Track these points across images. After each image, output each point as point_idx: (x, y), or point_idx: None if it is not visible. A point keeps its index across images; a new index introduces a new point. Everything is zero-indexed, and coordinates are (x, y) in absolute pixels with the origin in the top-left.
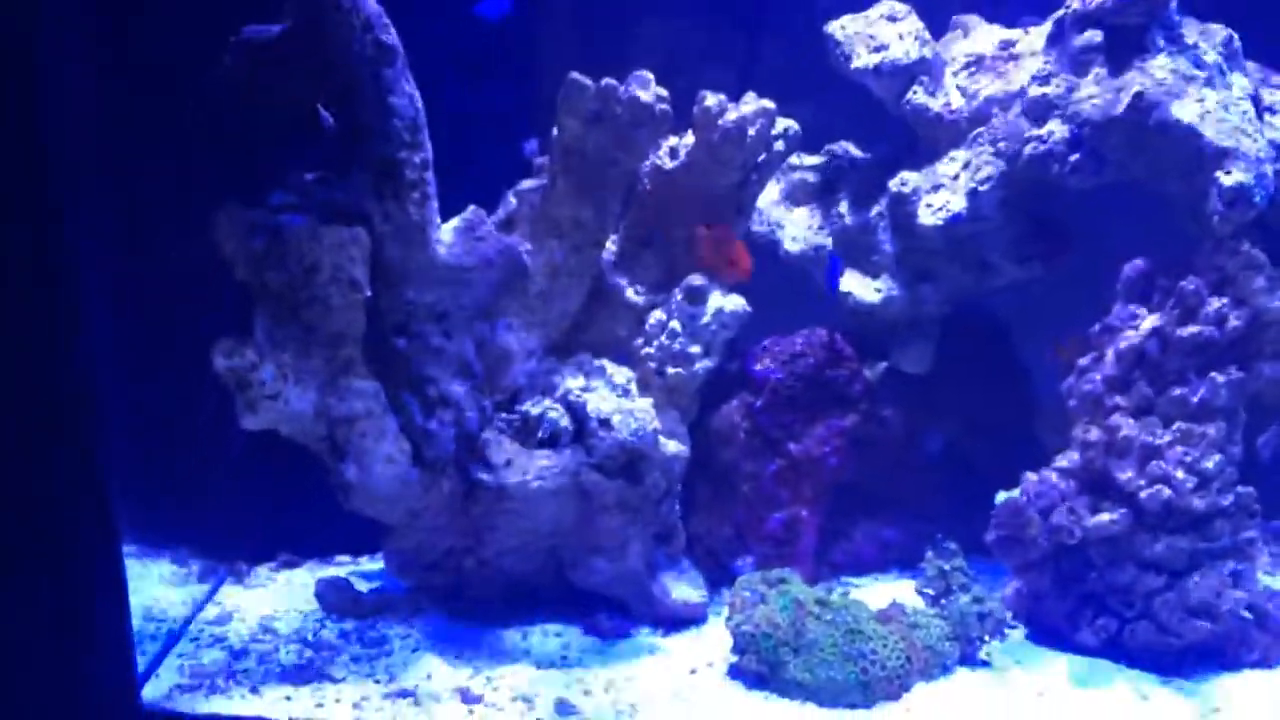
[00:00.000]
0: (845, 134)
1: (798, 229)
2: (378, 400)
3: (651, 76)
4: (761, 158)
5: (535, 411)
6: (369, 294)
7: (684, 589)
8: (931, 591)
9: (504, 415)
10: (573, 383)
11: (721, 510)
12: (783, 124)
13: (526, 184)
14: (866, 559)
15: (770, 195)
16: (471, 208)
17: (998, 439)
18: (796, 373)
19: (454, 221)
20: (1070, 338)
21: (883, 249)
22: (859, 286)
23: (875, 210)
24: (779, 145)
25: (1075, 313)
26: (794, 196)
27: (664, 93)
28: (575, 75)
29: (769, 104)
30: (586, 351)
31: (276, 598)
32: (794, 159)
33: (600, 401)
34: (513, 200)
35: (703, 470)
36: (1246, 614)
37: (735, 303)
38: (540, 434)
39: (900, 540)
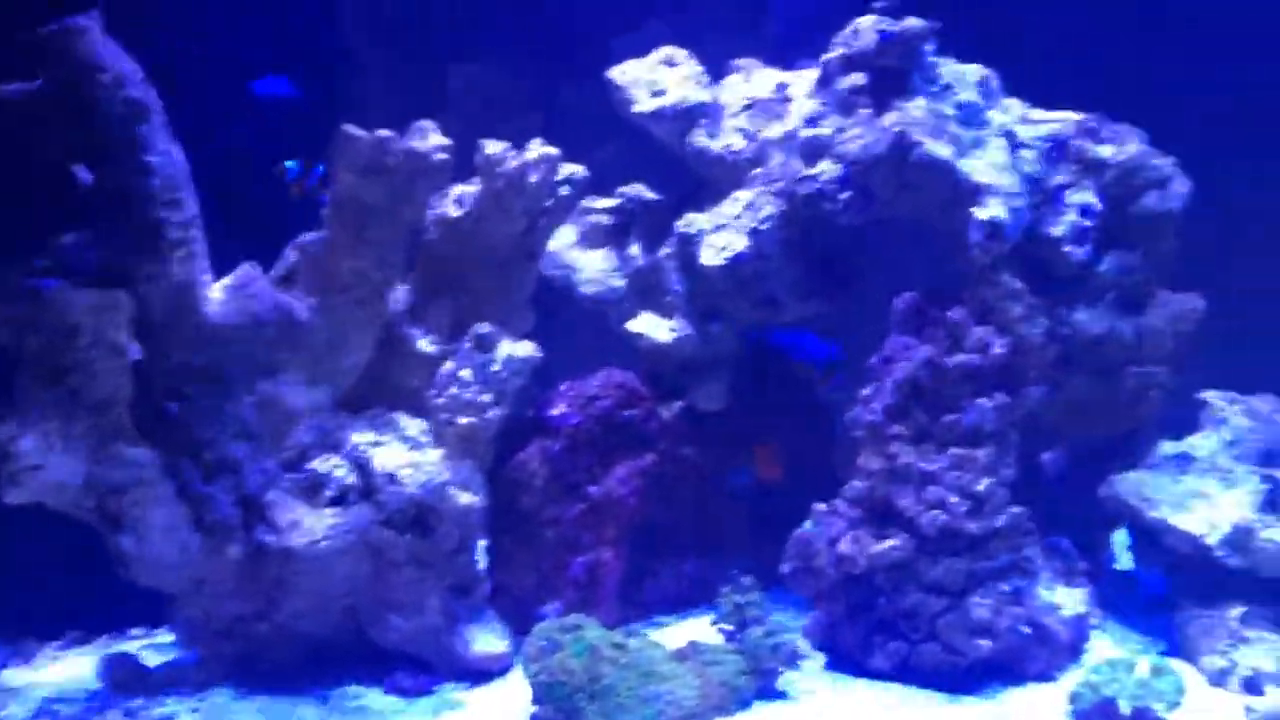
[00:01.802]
0: (651, 175)
1: (593, 271)
2: (151, 467)
3: (432, 126)
4: (548, 203)
5: (322, 469)
6: (135, 357)
7: (486, 641)
8: (728, 626)
9: (290, 475)
10: (361, 438)
11: (525, 558)
12: (568, 169)
13: (307, 237)
14: (677, 596)
15: (566, 238)
16: (244, 265)
17: (800, 471)
18: (593, 415)
19: (226, 279)
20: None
21: (674, 289)
22: (652, 327)
23: (665, 251)
24: (564, 190)
25: (863, 345)
26: (590, 239)
27: (445, 142)
28: (348, 127)
29: (552, 150)
30: (381, 404)
31: (62, 677)
32: (589, 202)
33: (388, 456)
34: (293, 254)
35: (505, 518)
36: (1027, 629)
37: (525, 349)
38: (327, 492)
39: (710, 576)
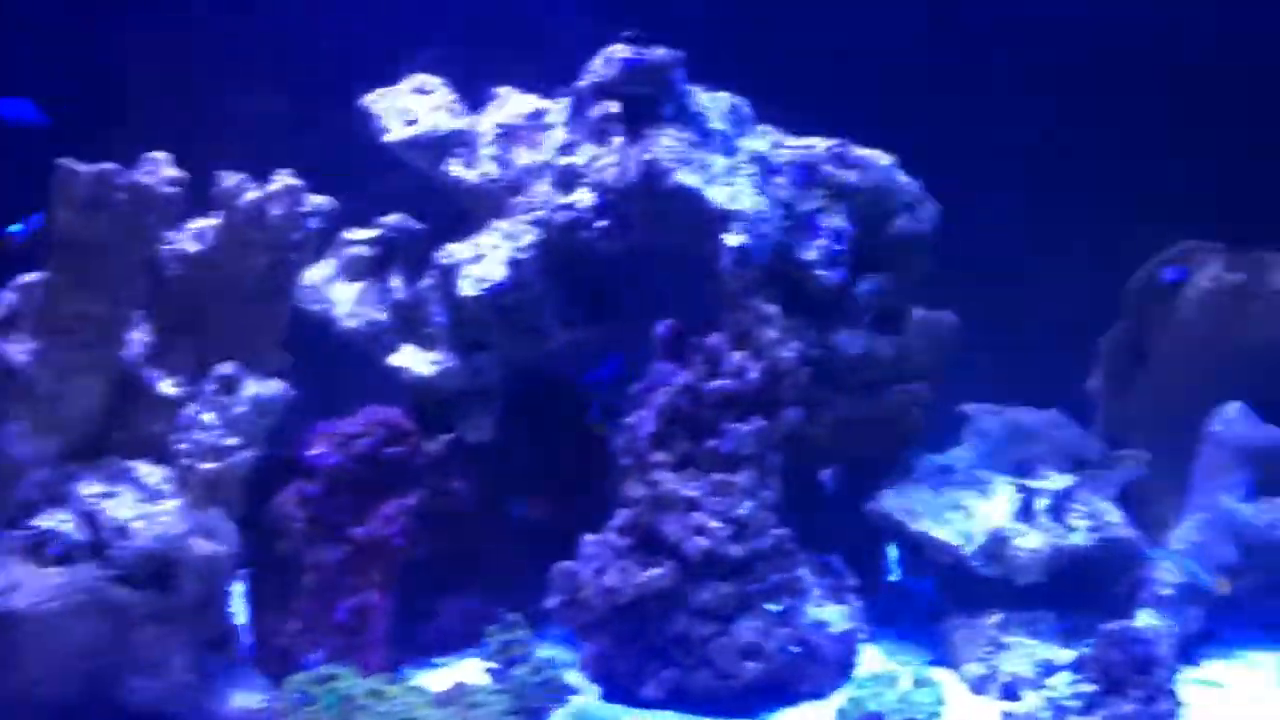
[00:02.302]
0: (426, 204)
1: (352, 305)
2: None
3: (163, 158)
4: (296, 236)
5: (47, 525)
6: None
7: (243, 696)
8: (496, 665)
9: (14, 532)
10: (91, 489)
11: (288, 605)
12: (316, 200)
13: (27, 278)
14: (456, 636)
15: (324, 272)
16: None
17: (579, 501)
18: (354, 454)
19: None
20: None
21: (436, 321)
22: (415, 360)
23: (427, 283)
24: (314, 222)
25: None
26: (350, 271)
27: (176, 174)
28: (65, 161)
29: (295, 181)
30: (122, 452)
31: None
32: (349, 233)
33: (119, 508)
34: (11, 296)
35: (264, 565)
36: (796, 649)
37: (273, 388)
38: (51, 550)
39: (488, 613)
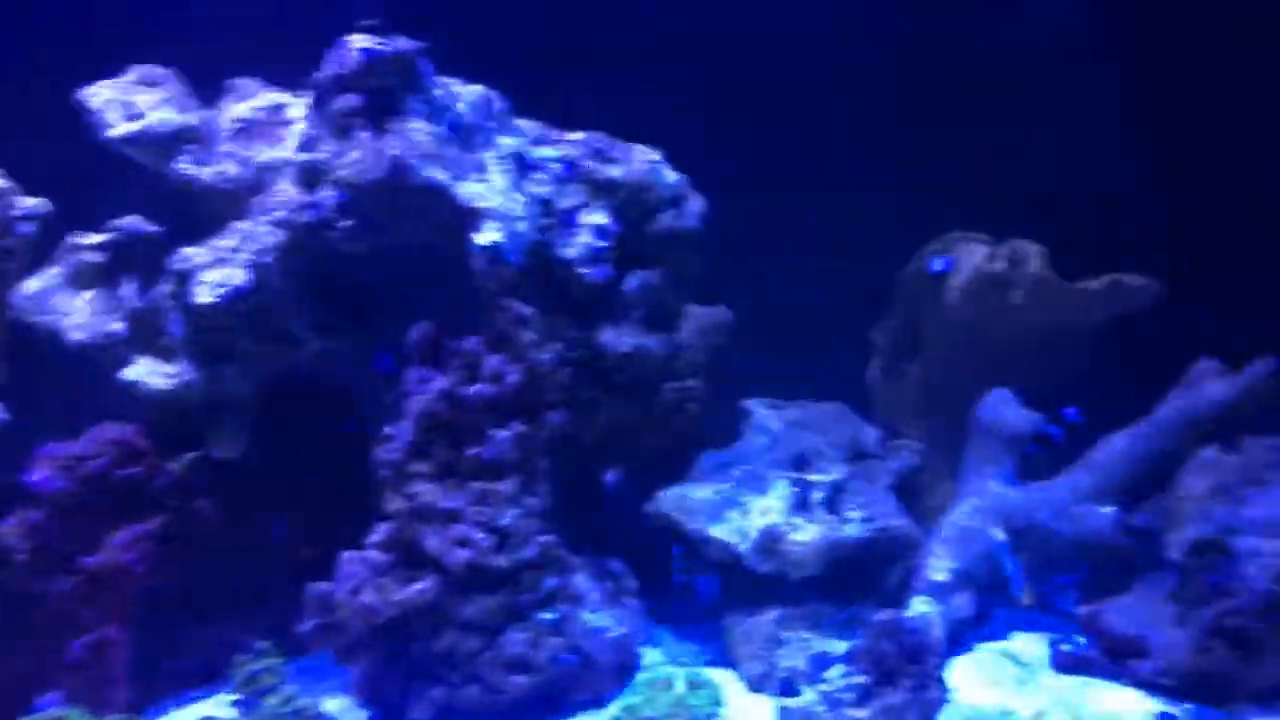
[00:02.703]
0: (157, 205)
1: (83, 315)
2: None
3: None
4: (7, 242)
5: None
6: None
7: None
8: (242, 697)
9: None
10: None
11: (15, 643)
12: (29, 202)
13: None
14: (213, 667)
15: (50, 280)
16: None
17: (345, 517)
18: (83, 477)
19: None
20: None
21: (173, 331)
22: (150, 373)
23: (162, 290)
24: (27, 227)
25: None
26: (79, 279)
27: None
28: None
29: (3, 183)
30: None
31: None
32: (76, 239)
33: None
34: None
35: None
36: (570, 658)
37: None
38: None
39: (246, 643)
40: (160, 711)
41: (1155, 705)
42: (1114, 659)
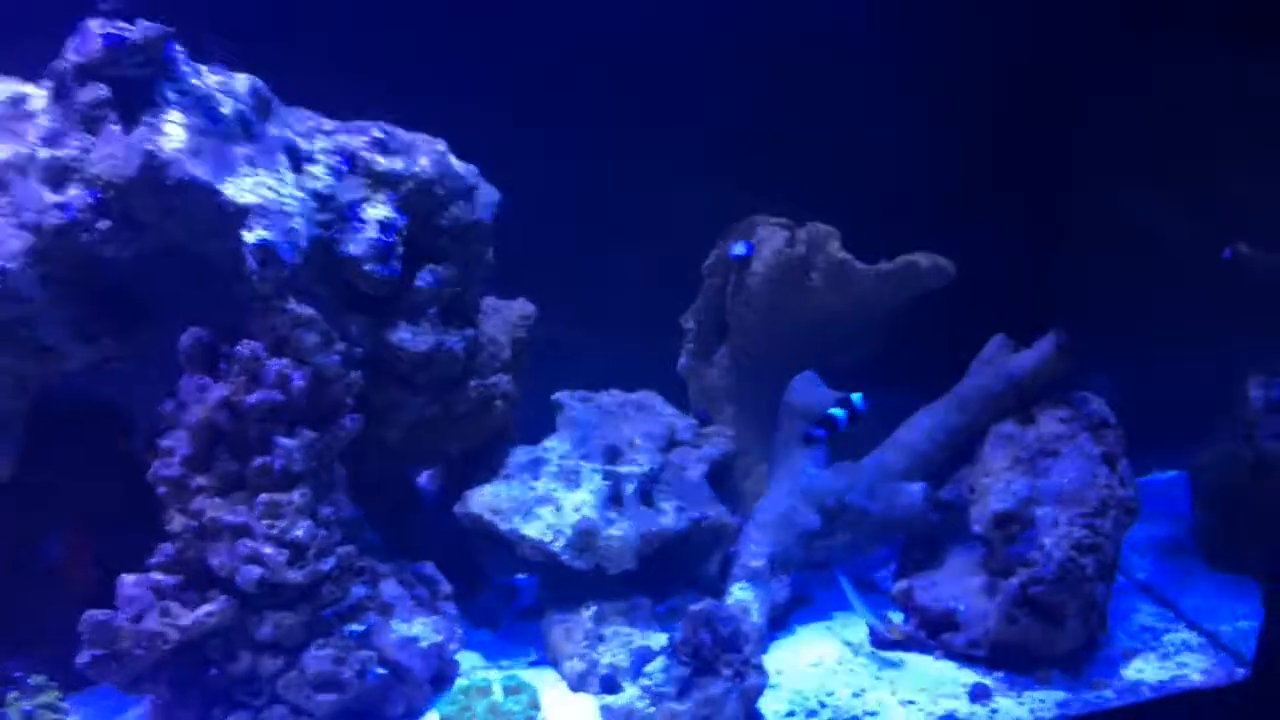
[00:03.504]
0: None
1: None
2: None
3: None
4: None
5: None
6: None
7: None
8: None
9: None
10: None
11: None
12: None
13: None
14: None
15: None
16: None
17: (128, 536)
18: None
19: None
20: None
21: None
22: None
23: None
24: None
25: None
26: None
27: None
28: None
29: None
30: None
31: None
32: None
33: None
34: None
35: None
36: (381, 670)
37: None
38: None
39: (22, 674)
40: None
41: (970, 676)
42: (929, 633)
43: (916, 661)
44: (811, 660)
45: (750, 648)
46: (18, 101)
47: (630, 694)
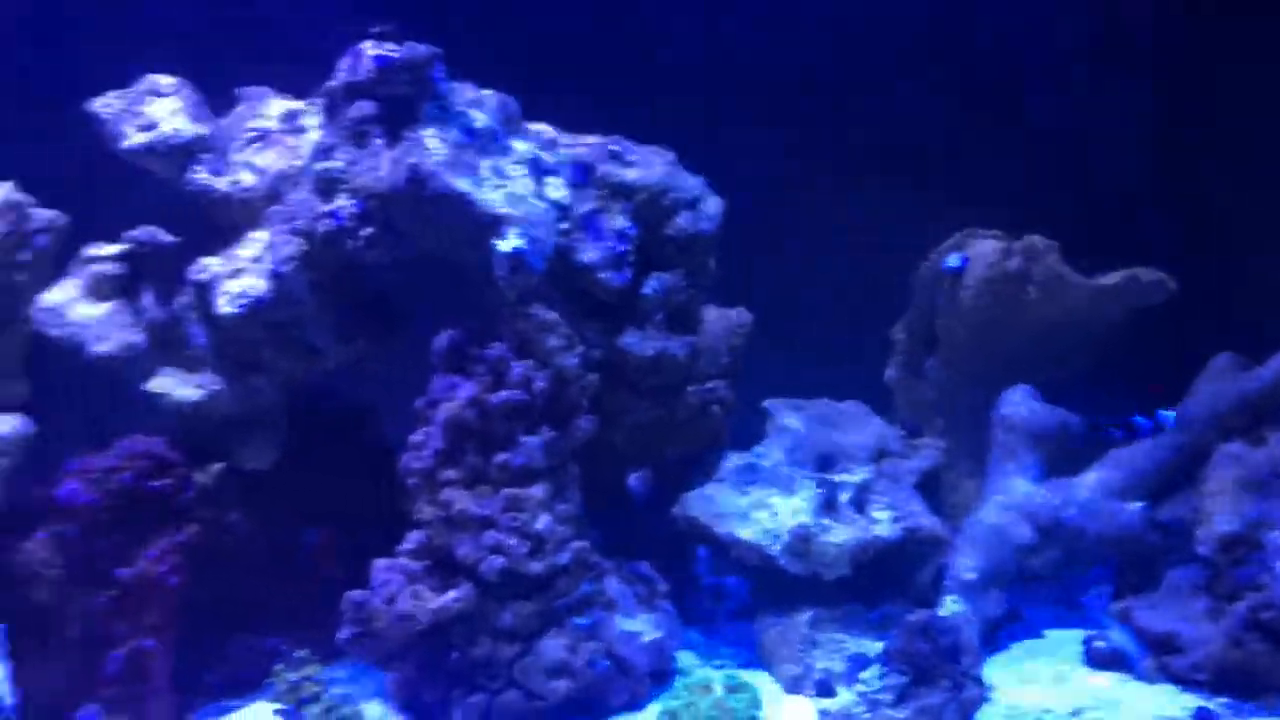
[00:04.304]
0: (172, 216)
1: (105, 327)
2: None
3: None
4: (23, 256)
5: None
6: None
7: None
8: (285, 706)
9: None
10: None
11: (51, 659)
12: (45, 214)
13: None
14: (250, 677)
15: (67, 292)
16: None
17: (376, 526)
18: (113, 490)
19: None
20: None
21: (196, 342)
22: (176, 385)
23: (183, 300)
24: (43, 239)
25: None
26: (98, 291)
27: None
28: None
29: (17, 195)
30: None
31: None
32: (92, 250)
33: None
34: None
35: (20, 617)
36: (606, 662)
37: (8, 424)
38: None
39: (280, 651)
40: None
41: (1191, 700)
42: (1148, 655)
43: (1135, 683)
44: (1025, 676)
45: (968, 659)
46: (291, 118)
47: (846, 699)
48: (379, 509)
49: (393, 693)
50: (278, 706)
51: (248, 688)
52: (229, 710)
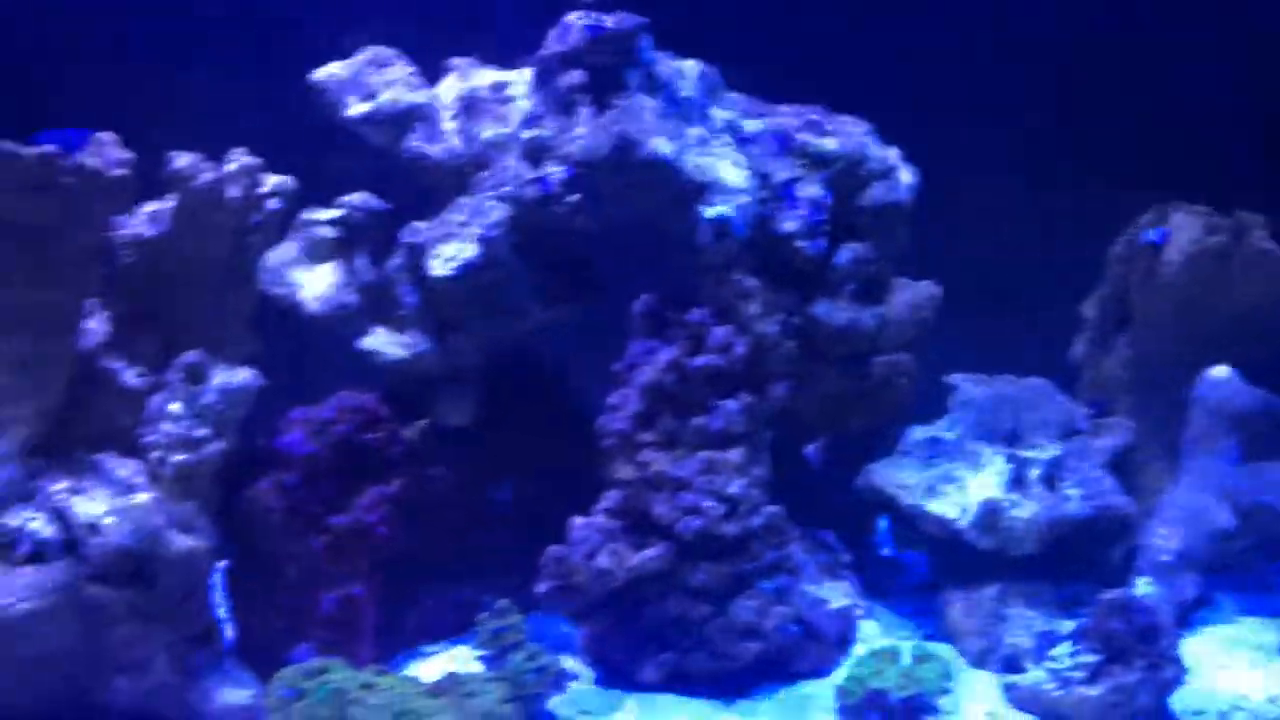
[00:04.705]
0: (382, 182)
1: (320, 288)
2: None
3: (111, 139)
4: (256, 218)
5: (14, 524)
6: None
7: (231, 692)
8: (488, 653)
9: None
10: (61, 485)
11: (271, 598)
12: (274, 180)
13: None
14: (444, 626)
15: (287, 253)
16: None
17: (565, 484)
18: (329, 442)
19: None
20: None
21: (406, 302)
22: (387, 343)
23: (395, 262)
24: (274, 203)
25: (617, 350)
26: (314, 253)
27: (125, 156)
28: (4, 144)
29: (252, 160)
30: (88, 446)
31: None
32: (311, 214)
33: (90, 504)
34: None
35: (244, 559)
36: (794, 627)
37: (242, 376)
38: (21, 549)
39: (475, 601)
40: (404, 664)
41: None
42: None
43: None
44: (1220, 662)
45: (1165, 641)
46: (499, 87)
47: (1035, 675)
48: (572, 468)
49: (584, 647)
50: (480, 653)
51: (441, 635)
52: (425, 655)
